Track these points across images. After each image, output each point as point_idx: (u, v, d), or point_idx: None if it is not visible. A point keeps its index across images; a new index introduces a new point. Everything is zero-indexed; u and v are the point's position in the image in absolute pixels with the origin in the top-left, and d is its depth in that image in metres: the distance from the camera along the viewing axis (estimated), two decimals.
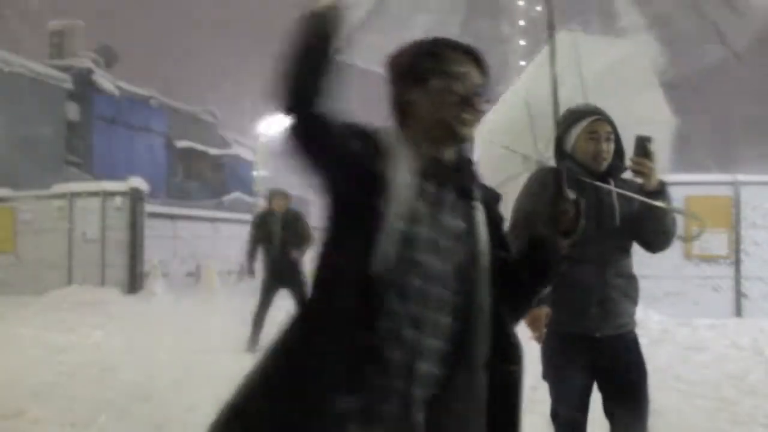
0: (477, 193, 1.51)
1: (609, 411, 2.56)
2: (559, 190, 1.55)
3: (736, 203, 9.41)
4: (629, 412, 2.52)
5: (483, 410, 1.44)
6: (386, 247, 1.33)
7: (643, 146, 2.42)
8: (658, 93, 3.03)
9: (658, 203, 2.43)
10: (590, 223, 2.42)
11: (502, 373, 1.46)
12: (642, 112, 2.92)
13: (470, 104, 1.47)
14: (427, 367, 1.39)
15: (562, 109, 2.60)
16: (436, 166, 1.47)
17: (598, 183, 2.49)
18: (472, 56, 1.52)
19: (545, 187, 2.50)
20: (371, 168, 1.38)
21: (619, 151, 2.57)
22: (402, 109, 1.51)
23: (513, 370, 1.49)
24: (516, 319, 1.60)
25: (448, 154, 1.50)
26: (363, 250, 1.33)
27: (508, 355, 1.48)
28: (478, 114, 1.50)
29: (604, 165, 2.54)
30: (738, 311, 9.27)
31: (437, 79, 1.47)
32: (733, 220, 9.39)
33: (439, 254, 1.42)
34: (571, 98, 2.64)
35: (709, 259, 9.34)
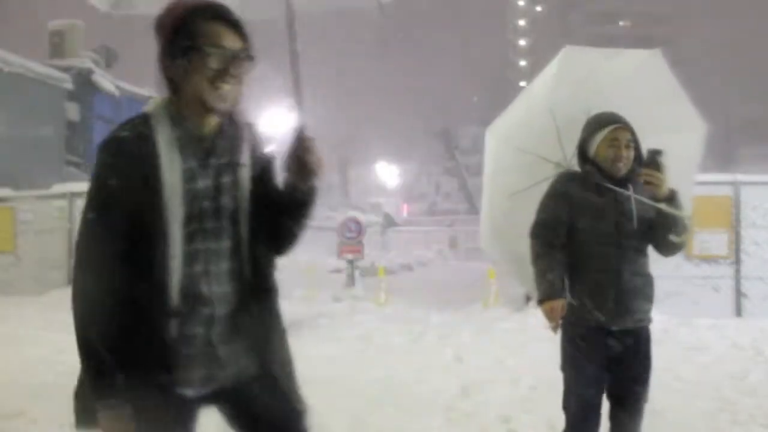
0: (241, 155, 1.68)
1: (610, 395, 2.78)
2: (301, 133, 1.71)
3: (736, 203, 9.41)
4: (629, 400, 2.76)
5: (269, 328, 1.73)
6: (173, 232, 1.56)
7: (653, 158, 2.62)
8: (684, 98, 3.13)
9: (662, 206, 2.63)
10: (609, 225, 2.70)
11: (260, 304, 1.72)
12: (672, 120, 3.06)
13: (225, 75, 1.58)
14: (219, 311, 1.64)
15: (587, 118, 2.82)
16: (197, 140, 1.63)
17: (617, 188, 2.70)
18: (229, 21, 1.61)
19: (566, 189, 2.77)
20: (147, 178, 1.55)
21: (638, 158, 2.75)
22: (167, 82, 1.63)
23: (270, 299, 1.74)
24: (281, 252, 1.80)
25: (210, 124, 1.66)
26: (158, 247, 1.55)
27: (263, 286, 1.73)
28: (235, 80, 1.61)
29: (624, 170, 2.73)
30: (738, 311, 9.27)
31: (188, 58, 1.57)
32: (733, 220, 9.39)
33: (218, 216, 1.65)
34: (595, 110, 2.83)
35: (709, 259, 9.34)
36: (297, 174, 1.68)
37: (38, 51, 22.43)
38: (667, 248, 2.77)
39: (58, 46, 22.69)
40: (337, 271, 16.58)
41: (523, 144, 3.18)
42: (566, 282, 2.73)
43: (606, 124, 2.73)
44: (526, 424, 4.18)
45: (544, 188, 2.89)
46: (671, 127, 3.00)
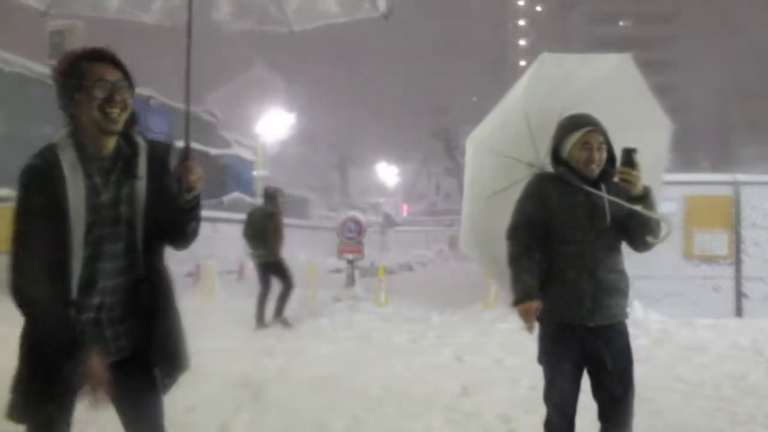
0: (137, 170, 2.05)
1: (596, 395, 2.82)
2: (185, 153, 2.07)
3: (736, 203, 9.40)
4: (615, 396, 2.77)
5: (157, 313, 2.11)
6: (76, 238, 1.93)
7: (628, 157, 2.72)
8: (652, 99, 3.24)
9: (638, 207, 2.72)
10: (583, 224, 2.78)
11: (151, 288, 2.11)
12: (640, 119, 3.17)
13: (111, 101, 1.97)
14: (109, 300, 2.04)
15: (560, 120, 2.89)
16: (97, 161, 2.01)
17: (590, 188, 2.79)
18: (108, 60, 2.00)
19: (541, 190, 2.84)
20: (55, 195, 1.91)
21: (611, 159, 2.84)
22: (69, 118, 2.01)
23: (161, 286, 2.13)
24: (180, 247, 2.21)
25: (108, 145, 2.03)
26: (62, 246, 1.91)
27: (153, 273, 2.11)
28: (120, 104, 1.99)
29: (596, 171, 2.82)
30: (738, 311, 9.26)
31: (80, 93, 1.96)
32: (733, 220, 9.39)
33: (117, 223, 2.03)
34: (567, 111, 2.91)
35: (709, 259, 9.33)
36: (179, 188, 2.04)
37: (38, 51, 22.43)
38: (643, 246, 2.84)
39: (58, 46, 22.71)
40: (337, 271, 16.58)
41: (498, 146, 3.26)
42: (541, 281, 2.80)
43: (578, 126, 2.80)
44: (526, 424, 4.18)
45: (519, 189, 2.96)
46: (639, 127, 3.10)
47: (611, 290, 2.79)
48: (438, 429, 4.22)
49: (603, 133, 2.80)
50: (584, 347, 2.79)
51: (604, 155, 2.81)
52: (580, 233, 2.78)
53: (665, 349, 6.88)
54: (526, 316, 2.74)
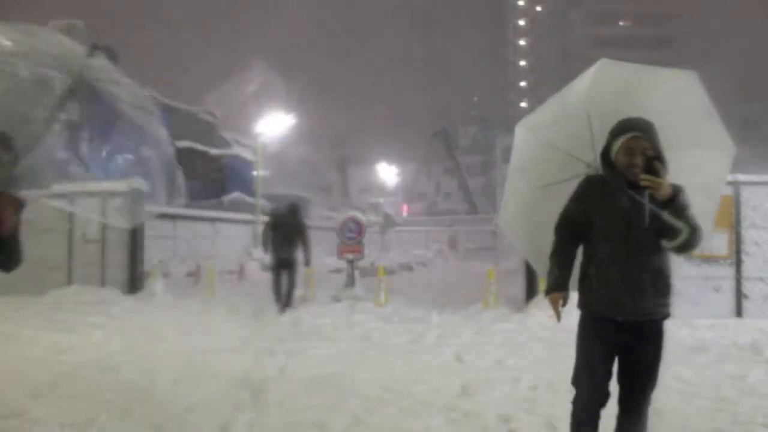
0: None
1: (620, 381, 3.02)
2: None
3: (736, 203, 9.40)
4: (635, 387, 2.99)
5: None
6: None
7: (650, 164, 2.84)
8: (717, 120, 3.25)
9: (665, 212, 2.81)
10: (622, 224, 2.91)
11: None
12: (702, 140, 3.24)
13: None
14: None
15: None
16: None
17: (631, 191, 2.89)
18: None
19: (586, 191, 3.01)
20: None
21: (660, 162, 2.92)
22: None
23: None
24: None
25: None
26: None
27: None
28: None
29: (639, 176, 2.86)
30: (738, 311, 9.26)
31: None
32: (733, 220, 9.38)
33: None
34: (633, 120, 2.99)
35: (710, 260, 9.33)
36: None
37: None
38: (671, 250, 2.94)
39: None
40: (337, 271, 16.59)
41: (556, 141, 3.36)
42: (581, 275, 3.02)
43: (624, 131, 2.92)
44: (526, 424, 4.18)
45: (572, 184, 3.10)
46: (703, 145, 3.19)
47: (643, 289, 2.89)
48: (438, 429, 4.22)
49: (650, 139, 2.88)
50: (616, 339, 2.94)
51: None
52: (619, 233, 2.90)
53: (665, 349, 6.88)
54: (553, 305, 2.98)
